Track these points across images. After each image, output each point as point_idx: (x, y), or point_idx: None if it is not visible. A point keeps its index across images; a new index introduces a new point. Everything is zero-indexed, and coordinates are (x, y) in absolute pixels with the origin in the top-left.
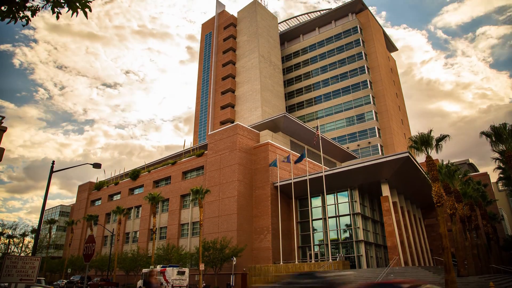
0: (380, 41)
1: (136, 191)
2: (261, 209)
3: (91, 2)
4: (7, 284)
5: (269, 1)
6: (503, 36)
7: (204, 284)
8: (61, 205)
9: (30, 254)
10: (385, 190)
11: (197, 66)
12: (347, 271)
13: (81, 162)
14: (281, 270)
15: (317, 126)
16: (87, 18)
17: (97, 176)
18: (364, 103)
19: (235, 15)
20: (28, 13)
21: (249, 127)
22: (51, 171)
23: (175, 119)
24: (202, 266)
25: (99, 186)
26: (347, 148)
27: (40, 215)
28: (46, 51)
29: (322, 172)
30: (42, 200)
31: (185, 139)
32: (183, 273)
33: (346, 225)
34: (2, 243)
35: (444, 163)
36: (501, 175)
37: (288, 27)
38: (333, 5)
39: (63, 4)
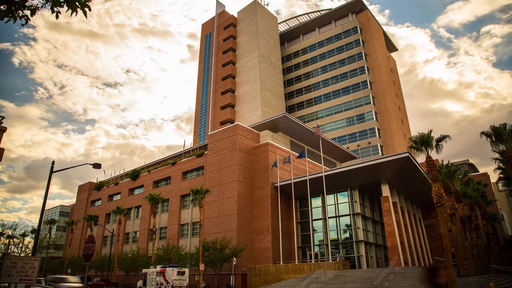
0: (380, 42)
1: (136, 191)
2: (261, 209)
3: (90, 1)
4: (7, 284)
5: (271, 0)
6: (507, 35)
7: (204, 284)
8: (61, 205)
9: (30, 254)
10: (385, 190)
11: (198, 65)
12: None
13: (82, 162)
14: (281, 270)
15: (318, 125)
16: (86, 18)
17: (97, 176)
18: (364, 103)
19: (235, 15)
20: (28, 12)
21: (249, 127)
22: (51, 171)
23: (177, 118)
24: (202, 266)
25: (99, 186)
26: (347, 148)
27: (40, 215)
28: (46, 50)
29: (322, 172)
30: (42, 200)
31: (185, 139)
32: (183, 273)
33: (346, 225)
34: (2, 243)
35: (444, 163)
36: (501, 175)
37: (288, 27)
38: (335, 3)
39: (62, 3)
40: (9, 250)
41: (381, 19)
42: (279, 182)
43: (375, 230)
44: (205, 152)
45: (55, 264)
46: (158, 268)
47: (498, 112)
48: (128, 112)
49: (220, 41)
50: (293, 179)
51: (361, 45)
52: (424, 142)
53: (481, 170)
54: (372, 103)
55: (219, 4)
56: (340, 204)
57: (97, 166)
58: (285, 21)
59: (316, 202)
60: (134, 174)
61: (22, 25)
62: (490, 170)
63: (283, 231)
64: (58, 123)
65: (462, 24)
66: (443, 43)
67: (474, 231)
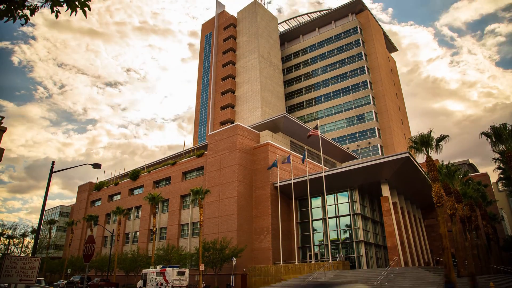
0: (380, 42)
1: (136, 192)
2: (261, 210)
3: (90, 0)
4: (6, 284)
5: None
6: (511, 34)
7: (204, 285)
8: (61, 205)
9: (30, 255)
10: (385, 191)
11: (198, 65)
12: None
13: (83, 162)
14: (281, 270)
15: (317, 125)
16: (86, 17)
17: (97, 177)
18: (364, 103)
19: (235, 15)
20: (27, 12)
21: (249, 128)
22: (51, 171)
23: (178, 118)
24: (202, 267)
25: (99, 186)
26: (347, 148)
27: (40, 215)
28: (46, 49)
29: (322, 173)
30: (42, 200)
31: (185, 140)
32: (183, 273)
33: (346, 225)
34: (2, 244)
35: (445, 163)
36: (501, 175)
37: (288, 27)
38: (337, 2)
39: (62, 3)
40: (9, 250)
41: (384, 17)
42: (279, 182)
43: (375, 230)
44: (205, 152)
45: (55, 264)
46: (158, 268)
47: (501, 112)
48: (128, 111)
49: (220, 41)
50: (293, 179)
51: (361, 45)
52: (424, 142)
53: (484, 170)
54: (372, 103)
55: (219, 4)
56: (340, 204)
57: (97, 166)
58: (285, 21)
59: (316, 202)
60: (134, 174)
61: (22, 24)
62: (492, 170)
63: (283, 231)
64: (58, 122)
65: (466, 23)
66: (447, 42)
67: (474, 231)
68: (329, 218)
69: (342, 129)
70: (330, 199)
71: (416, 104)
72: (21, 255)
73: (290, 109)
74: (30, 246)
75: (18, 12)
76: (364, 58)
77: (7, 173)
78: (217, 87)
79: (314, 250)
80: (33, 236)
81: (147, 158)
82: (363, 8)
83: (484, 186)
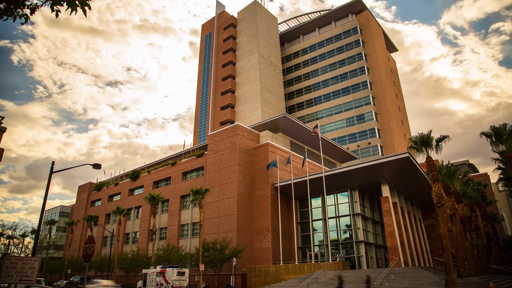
0: (380, 42)
1: (136, 192)
2: (261, 210)
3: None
4: (6, 284)
5: None
6: None
7: (204, 285)
8: (61, 205)
9: (30, 255)
10: (385, 191)
11: (198, 65)
12: None
13: (84, 161)
14: (281, 270)
15: (317, 125)
16: (86, 16)
17: (98, 177)
18: (364, 103)
19: (235, 15)
20: (27, 11)
21: (249, 128)
22: (51, 172)
23: (179, 117)
24: (202, 267)
25: (99, 186)
26: (347, 148)
27: (40, 215)
28: (45, 47)
29: (322, 173)
30: (42, 201)
31: (185, 140)
32: (183, 273)
33: (346, 225)
34: (1, 244)
35: (444, 163)
36: (501, 176)
37: (288, 27)
38: (339, 0)
39: (62, 2)
40: (9, 250)
41: (387, 15)
42: (279, 182)
43: (375, 231)
44: (205, 152)
45: (55, 265)
46: (158, 268)
47: (503, 111)
48: (129, 111)
49: (220, 42)
50: (293, 179)
51: (361, 45)
52: (424, 142)
53: (486, 169)
54: (372, 103)
55: (219, 5)
56: (340, 205)
57: (97, 166)
58: (285, 21)
59: (316, 202)
60: (134, 175)
61: (22, 23)
62: (493, 170)
63: (283, 231)
64: (59, 122)
65: (470, 22)
66: (450, 40)
67: (474, 231)
68: (329, 218)
69: (342, 129)
70: (330, 199)
71: (419, 104)
72: (21, 255)
73: (290, 109)
74: (30, 246)
75: (18, 11)
76: (364, 58)
77: (8, 173)
78: (217, 87)
79: (314, 250)
80: (33, 236)
81: (149, 158)
82: (363, 8)
83: (484, 186)
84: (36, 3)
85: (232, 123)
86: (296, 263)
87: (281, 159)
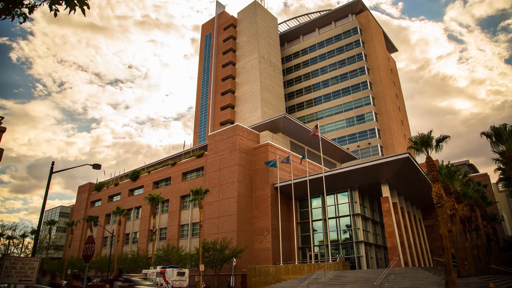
0: (380, 42)
1: (136, 192)
2: (261, 210)
3: None
4: (6, 285)
5: None
6: None
7: (204, 285)
8: (61, 206)
9: (29, 255)
10: (385, 191)
11: (198, 65)
12: None
13: (86, 161)
14: (281, 271)
15: (317, 125)
16: (85, 16)
17: (98, 177)
18: (364, 104)
19: (235, 16)
20: (26, 10)
21: (249, 128)
22: (51, 172)
23: (181, 116)
24: (202, 267)
25: (99, 187)
26: (347, 149)
27: (40, 215)
28: (45, 45)
29: (322, 173)
30: (42, 201)
31: (185, 140)
32: (183, 274)
33: (346, 226)
34: (1, 244)
35: (445, 164)
36: (501, 176)
37: (288, 27)
38: None
39: (60, 1)
40: (9, 250)
41: (394, 11)
42: (279, 182)
43: (375, 231)
44: (205, 152)
45: (55, 265)
46: (158, 268)
47: (509, 110)
48: (130, 110)
49: (220, 42)
50: (293, 179)
51: (361, 45)
52: (424, 142)
53: (488, 169)
54: (372, 103)
55: (219, 5)
56: (340, 205)
57: (96, 166)
58: (285, 21)
59: (316, 202)
60: (134, 175)
61: (20, 23)
62: (494, 170)
63: (283, 231)
64: (61, 121)
65: (478, 19)
66: (456, 37)
67: (474, 231)
68: (329, 218)
69: (342, 130)
70: (330, 200)
71: (424, 102)
72: (21, 255)
73: (290, 110)
74: (30, 246)
75: (17, 11)
76: (364, 59)
77: (9, 173)
78: (217, 88)
79: (314, 251)
80: (33, 236)
81: (151, 158)
82: (363, 8)
83: (484, 187)
84: (35, 2)
85: (232, 123)
86: (296, 263)
87: (281, 160)
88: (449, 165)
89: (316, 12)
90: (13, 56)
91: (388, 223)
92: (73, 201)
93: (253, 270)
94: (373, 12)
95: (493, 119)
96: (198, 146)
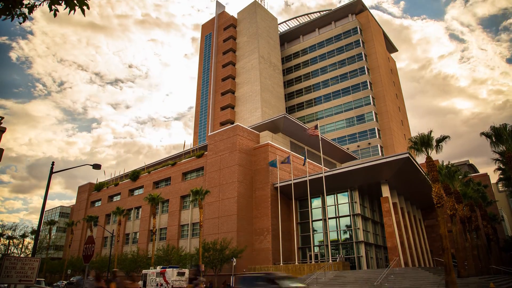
0: (380, 42)
1: (136, 192)
2: (261, 210)
3: None
4: (6, 285)
5: None
6: None
7: (204, 285)
8: (61, 206)
9: (29, 255)
10: (385, 191)
11: (198, 65)
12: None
13: (86, 161)
14: (281, 271)
15: (317, 125)
16: (84, 16)
17: (98, 177)
18: (364, 104)
19: (235, 16)
20: (25, 10)
21: (249, 128)
22: (51, 172)
23: (181, 116)
24: (202, 267)
25: (99, 187)
26: (347, 149)
27: (40, 216)
28: (44, 44)
29: (322, 173)
30: (42, 201)
31: (185, 140)
32: (183, 274)
33: (346, 226)
34: (1, 244)
35: (445, 164)
36: (501, 176)
37: (288, 27)
38: None
39: (60, 1)
40: (9, 251)
41: (395, 11)
42: (279, 182)
43: (375, 231)
44: (205, 153)
45: (55, 265)
46: (158, 269)
47: (511, 109)
48: (131, 110)
49: (220, 42)
50: (293, 179)
51: (361, 45)
52: (423, 142)
53: (490, 169)
54: (372, 103)
55: (219, 5)
56: (340, 205)
57: (96, 167)
58: (285, 21)
59: (316, 202)
60: (134, 175)
61: (20, 23)
62: (494, 170)
63: (283, 232)
64: (62, 121)
65: (479, 18)
66: (457, 37)
67: (474, 231)
68: (329, 218)
69: (342, 130)
70: (330, 200)
71: (425, 102)
72: (21, 255)
73: (290, 110)
74: (30, 246)
75: (16, 11)
76: (364, 59)
77: (9, 173)
78: (217, 88)
79: (314, 251)
80: (33, 236)
81: (152, 158)
82: (363, 8)
83: (484, 187)
84: (34, 3)
85: (232, 123)
86: (296, 263)
87: (281, 160)
88: (449, 165)
89: (316, 12)
90: (13, 55)
91: (388, 223)
92: (73, 201)
93: (253, 270)
94: (375, 11)
95: (494, 118)
96: (198, 146)
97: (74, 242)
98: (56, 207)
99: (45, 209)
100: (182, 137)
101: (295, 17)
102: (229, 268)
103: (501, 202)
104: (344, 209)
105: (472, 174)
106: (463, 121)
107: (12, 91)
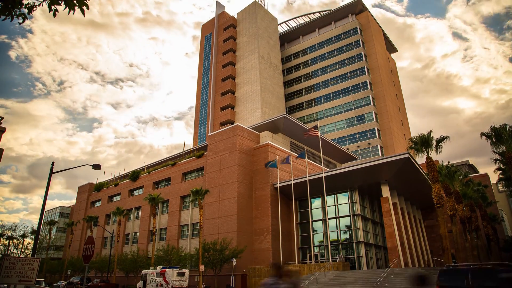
0: (380, 42)
1: (136, 192)
2: (261, 210)
3: None
4: (6, 285)
5: None
6: None
7: (204, 285)
8: (61, 206)
9: (29, 255)
10: (385, 191)
11: (198, 65)
12: None
13: (87, 161)
14: None
15: (316, 125)
16: (84, 16)
17: (98, 177)
18: (364, 104)
19: (235, 16)
20: (25, 10)
21: (249, 128)
22: (51, 172)
23: (182, 115)
24: (202, 267)
25: (99, 187)
26: (347, 149)
27: (40, 216)
28: (44, 43)
29: (322, 173)
30: (42, 201)
31: (185, 140)
32: (183, 274)
33: (346, 226)
34: (1, 245)
35: (445, 164)
36: (501, 176)
37: (288, 28)
38: None
39: (59, 1)
40: (9, 251)
41: (399, 9)
42: (279, 183)
43: (375, 231)
44: (205, 153)
45: (55, 265)
46: (158, 269)
47: None
48: (131, 109)
49: (220, 42)
50: (293, 180)
51: (361, 46)
52: (424, 143)
53: (491, 169)
54: (372, 104)
55: (219, 5)
56: (340, 205)
57: (96, 167)
58: (285, 21)
59: (316, 203)
60: (134, 175)
61: (20, 23)
62: (494, 170)
63: (283, 232)
64: (63, 120)
65: (484, 16)
66: (461, 35)
67: (474, 232)
68: (329, 219)
69: (342, 130)
70: (330, 200)
71: (428, 101)
72: (21, 256)
73: (290, 110)
74: (30, 247)
75: (16, 11)
76: (364, 59)
77: (10, 173)
78: (217, 88)
79: (314, 251)
80: (33, 237)
81: (153, 157)
82: (363, 8)
83: (484, 187)
84: (34, 3)
85: (232, 123)
86: (296, 263)
87: (281, 160)
88: (449, 166)
89: (316, 12)
90: (12, 54)
91: (388, 224)
92: (73, 201)
93: (253, 270)
94: (378, 10)
95: (497, 118)
96: (198, 146)
97: (74, 242)
98: (56, 207)
99: (45, 209)
100: (183, 136)
101: (295, 17)
102: (229, 268)
103: (501, 202)
104: (344, 209)
105: (472, 174)
106: (466, 121)
107: (12, 90)
